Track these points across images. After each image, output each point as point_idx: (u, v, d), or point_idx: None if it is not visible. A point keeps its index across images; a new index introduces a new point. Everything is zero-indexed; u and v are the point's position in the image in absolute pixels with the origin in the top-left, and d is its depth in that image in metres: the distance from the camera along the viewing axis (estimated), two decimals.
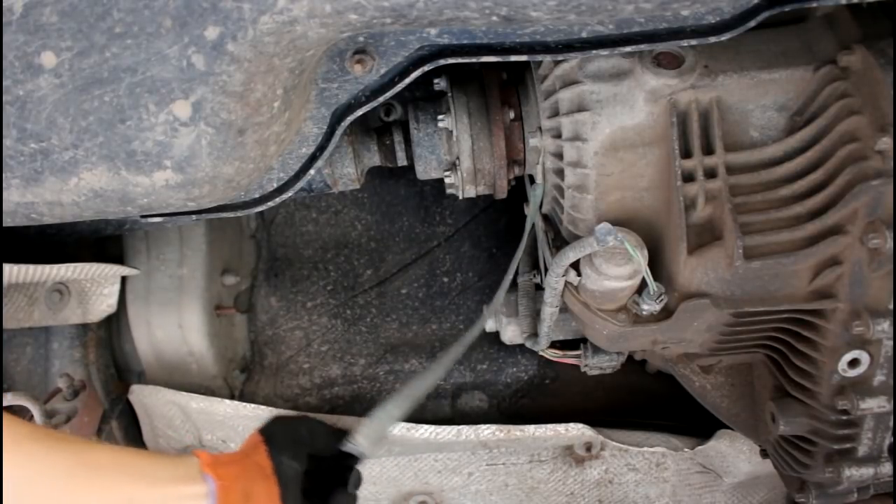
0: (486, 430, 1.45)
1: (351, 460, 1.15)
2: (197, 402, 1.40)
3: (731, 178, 0.98)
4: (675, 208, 0.98)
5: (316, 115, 0.97)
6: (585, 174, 1.01)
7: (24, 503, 0.83)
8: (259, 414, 1.40)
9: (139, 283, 1.44)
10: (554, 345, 1.34)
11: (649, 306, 1.01)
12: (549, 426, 1.45)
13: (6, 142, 0.82)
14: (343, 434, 1.18)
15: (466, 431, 1.44)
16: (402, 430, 1.39)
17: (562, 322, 1.27)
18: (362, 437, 1.20)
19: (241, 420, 1.43)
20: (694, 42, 0.90)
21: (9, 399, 1.21)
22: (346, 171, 1.15)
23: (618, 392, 1.62)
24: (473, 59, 0.92)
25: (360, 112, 0.96)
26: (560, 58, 0.96)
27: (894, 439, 1.08)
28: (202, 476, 0.96)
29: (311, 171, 1.00)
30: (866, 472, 1.08)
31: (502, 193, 1.17)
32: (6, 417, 0.85)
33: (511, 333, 1.33)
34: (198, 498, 0.94)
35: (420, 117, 1.13)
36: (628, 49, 0.91)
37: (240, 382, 1.61)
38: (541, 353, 1.34)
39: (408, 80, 0.93)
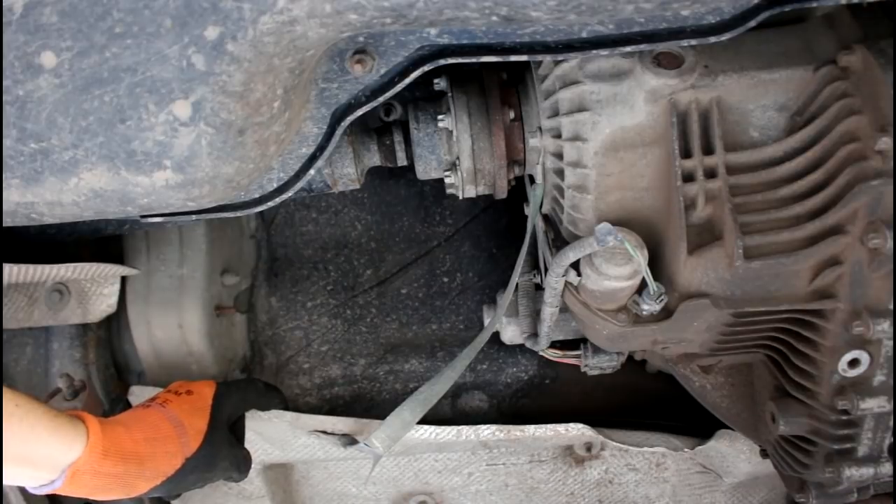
0: (486, 430, 1.45)
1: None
2: None
3: (731, 178, 0.98)
4: (675, 208, 0.98)
5: (316, 115, 0.97)
6: (585, 174, 1.01)
7: None
8: (259, 414, 1.40)
9: (139, 283, 1.44)
10: (554, 345, 1.34)
11: (649, 306, 1.01)
12: (549, 426, 1.45)
13: (6, 142, 0.82)
14: (275, 392, 1.39)
15: (466, 431, 1.45)
16: None
17: (562, 322, 1.27)
18: (377, 439, 1.21)
19: None
20: (694, 42, 0.90)
21: None
22: (346, 171, 1.15)
23: (618, 392, 1.62)
24: (473, 59, 0.92)
25: (360, 112, 0.96)
26: (560, 58, 0.96)
27: (894, 439, 1.08)
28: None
29: (311, 171, 1.00)
30: (866, 472, 1.08)
31: (502, 193, 1.17)
32: None
33: (511, 333, 1.33)
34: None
35: (420, 117, 1.13)
36: (628, 49, 0.91)
37: None
38: (541, 353, 1.34)
39: (408, 80, 0.93)
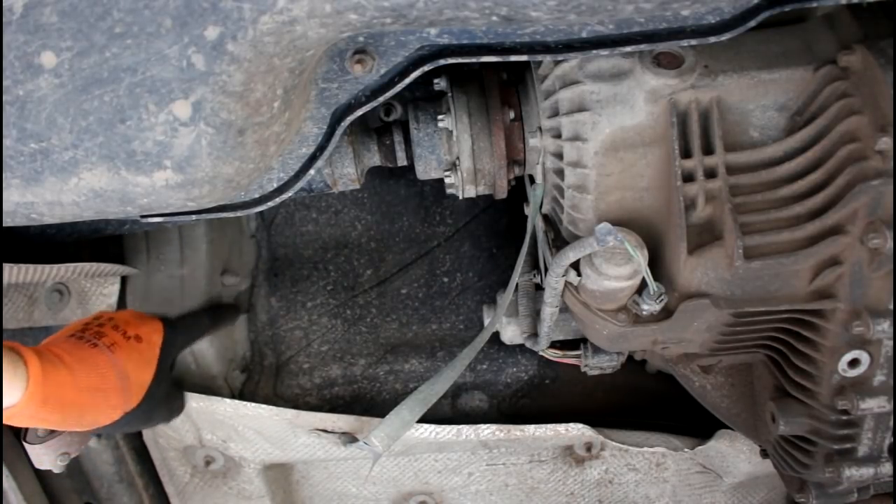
0: (486, 430, 1.45)
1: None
2: (197, 401, 1.40)
3: (731, 178, 0.98)
4: (675, 208, 0.98)
5: (316, 115, 0.97)
6: (585, 174, 1.01)
7: None
8: (259, 413, 1.40)
9: (139, 283, 1.44)
10: (554, 345, 1.34)
11: (649, 306, 1.01)
12: (549, 426, 1.45)
13: (6, 142, 0.82)
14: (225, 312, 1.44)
15: (466, 431, 1.45)
16: None
17: (562, 322, 1.27)
18: (376, 437, 1.21)
19: (242, 419, 1.43)
20: (694, 42, 0.90)
21: None
22: (346, 171, 1.15)
23: (618, 392, 1.62)
24: (473, 59, 0.92)
25: (360, 112, 0.96)
26: (560, 58, 0.96)
27: (894, 439, 1.08)
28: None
29: (311, 171, 1.00)
30: (866, 472, 1.08)
31: (502, 193, 1.17)
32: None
33: (511, 333, 1.33)
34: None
35: (420, 117, 1.13)
36: (628, 49, 0.91)
37: (240, 382, 1.61)
38: (541, 353, 1.34)
39: (408, 80, 0.93)
